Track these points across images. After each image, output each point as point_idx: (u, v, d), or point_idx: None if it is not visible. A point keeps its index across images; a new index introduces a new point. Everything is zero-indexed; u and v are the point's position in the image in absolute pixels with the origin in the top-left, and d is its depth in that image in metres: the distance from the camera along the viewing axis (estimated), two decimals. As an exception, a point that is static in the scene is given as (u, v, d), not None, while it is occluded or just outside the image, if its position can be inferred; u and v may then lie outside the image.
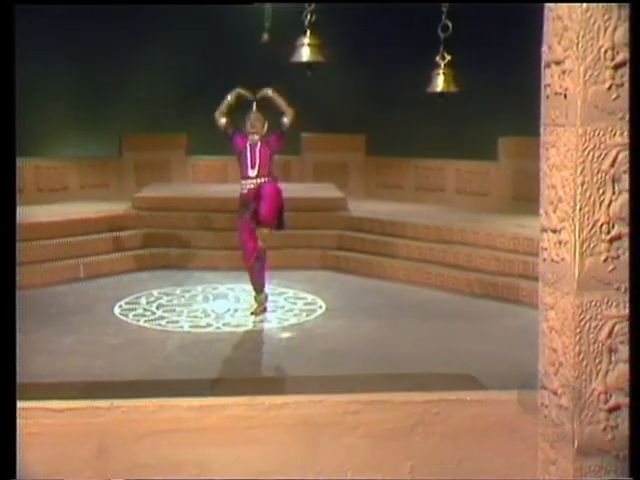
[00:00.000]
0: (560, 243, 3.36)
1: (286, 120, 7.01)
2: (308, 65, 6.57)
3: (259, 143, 7.08)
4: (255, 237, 7.09)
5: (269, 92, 7.04)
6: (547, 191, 3.44)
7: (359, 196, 11.14)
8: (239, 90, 7.11)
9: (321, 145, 11.73)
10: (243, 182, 7.14)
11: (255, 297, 7.34)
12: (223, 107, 7.09)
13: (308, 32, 6.45)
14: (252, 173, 7.08)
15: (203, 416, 3.75)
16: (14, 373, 3.09)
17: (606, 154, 3.22)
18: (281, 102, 7.03)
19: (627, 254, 3.21)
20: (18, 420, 3.17)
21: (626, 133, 3.17)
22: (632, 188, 3.14)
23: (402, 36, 9.91)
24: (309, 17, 6.39)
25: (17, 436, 3.12)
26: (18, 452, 3.26)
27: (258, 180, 7.06)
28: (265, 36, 6.80)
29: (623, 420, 3.30)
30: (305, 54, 6.51)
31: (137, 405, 3.76)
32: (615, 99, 3.18)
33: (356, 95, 10.91)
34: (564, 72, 3.26)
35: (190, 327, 6.97)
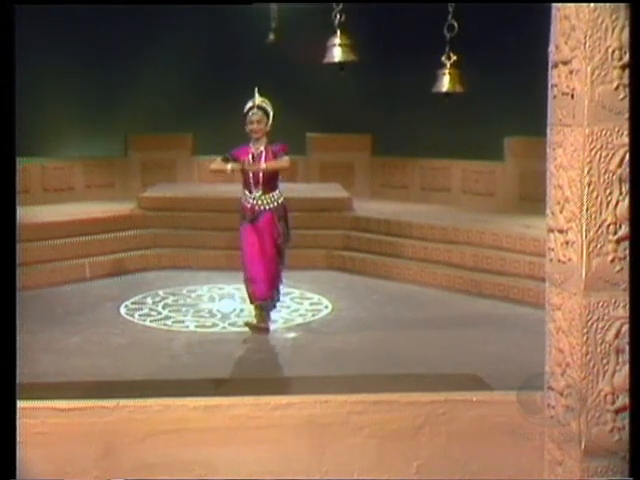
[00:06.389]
0: (567, 243, 3.35)
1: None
2: (340, 67, 6.49)
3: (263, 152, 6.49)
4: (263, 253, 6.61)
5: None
6: (554, 191, 3.43)
7: (365, 196, 11.13)
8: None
9: (327, 145, 11.71)
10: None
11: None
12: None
13: (338, 32, 6.37)
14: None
15: (209, 416, 3.76)
16: (14, 373, 3.09)
17: (613, 154, 3.21)
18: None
19: (634, 255, 3.21)
20: (18, 420, 3.17)
21: (633, 133, 3.17)
22: (632, 189, 3.13)
23: (408, 36, 9.89)
24: (338, 17, 6.30)
25: (17, 436, 3.12)
26: (22, 452, 3.26)
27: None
28: (271, 36, 6.79)
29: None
30: (337, 54, 6.44)
31: (143, 405, 3.76)
32: (622, 99, 3.17)
33: (362, 95, 10.89)
34: (571, 72, 3.25)
35: (196, 327, 6.98)
